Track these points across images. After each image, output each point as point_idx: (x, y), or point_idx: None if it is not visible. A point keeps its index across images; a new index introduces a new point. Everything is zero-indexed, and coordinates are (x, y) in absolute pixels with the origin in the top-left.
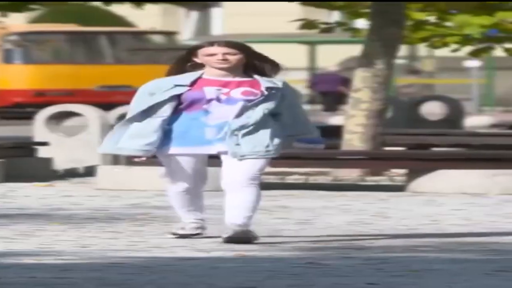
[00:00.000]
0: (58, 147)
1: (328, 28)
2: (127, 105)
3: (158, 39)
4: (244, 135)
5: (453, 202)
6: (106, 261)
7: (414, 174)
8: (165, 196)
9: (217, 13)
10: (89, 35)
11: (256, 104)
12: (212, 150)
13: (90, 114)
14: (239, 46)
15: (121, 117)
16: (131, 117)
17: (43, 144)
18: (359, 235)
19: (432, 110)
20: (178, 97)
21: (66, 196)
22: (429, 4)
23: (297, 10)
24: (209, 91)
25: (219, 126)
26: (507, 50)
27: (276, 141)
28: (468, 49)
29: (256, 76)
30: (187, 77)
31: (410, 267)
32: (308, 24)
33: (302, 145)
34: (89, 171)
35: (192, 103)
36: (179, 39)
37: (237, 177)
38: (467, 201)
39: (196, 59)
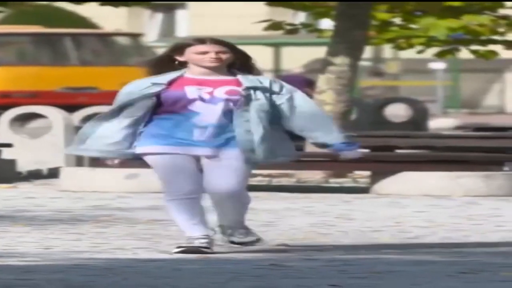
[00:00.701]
0: (22, 149)
1: (294, 30)
2: (92, 106)
3: (123, 40)
4: (256, 138)
5: (417, 204)
6: (69, 263)
7: (377, 176)
8: (128, 198)
9: (182, 14)
10: (53, 37)
11: (248, 105)
12: (200, 152)
13: (54, 115)
14: (229, 45)
15: (86, 118)
16: (100, 116)
17: (7, 145)
18: (322, 237)
19: (397, 112)
20: (156, 97)
21: (29, 198)
22: (395, 5)
23: (263, 12)
24: (191, 91)
25: (207, 127)
26: (473, 52)
27: (286, 145)
28: (433, 50)
29: (239, 75)
30: (166, 76)
31: (372, 269)
32: (273, 25)
33: (335, 151)
34: (53, 173)
35: (175, 104)
36: (145, 41)
37: (229, 185)
38: (431, 203)
39: (179, 58)
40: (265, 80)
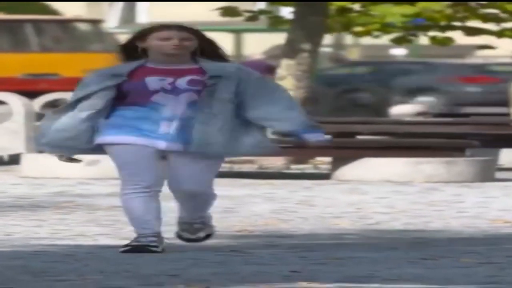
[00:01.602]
0: None
1: (252, 17)
2: (52, 93)
3: (84, 27)
4: (212, 131)
5: (378, 190)
6: (29, 249)
7: (338, 162)
8: (89, 185)
9: (142, 1)
10: (14, 23)
11: (211, 95)
12: (165, 145)
13: (14, 102)
14: (193, 31)
15: (46, 105)
16: (58, 109)
17: None
18: (284, 223)
19: (357, 98)
20: (116, 88)
21: None
22: None
23: None
24: (152, 81)
25: (172, 120)
26: (432, 38)
27: (255, 137)
28: (391, 36)
29: (203, 63)
30: (125, 67)
31: (333, 255)
32: (227, 11)
33: (300, 138)
34: (14, 159)
35: (137, 95)
36: (105, 27)
37: (194, 185)
38: (392, 189)
39: (141, 44)
40: (230, 67)
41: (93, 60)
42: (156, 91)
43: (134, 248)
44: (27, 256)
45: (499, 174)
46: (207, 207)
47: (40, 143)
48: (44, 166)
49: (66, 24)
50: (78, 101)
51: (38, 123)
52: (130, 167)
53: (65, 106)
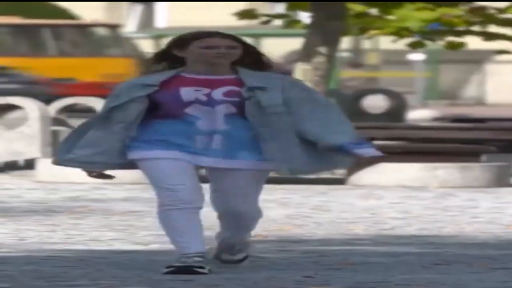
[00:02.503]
0: None
1: (268, 20)
2: (69, 97)
3: (101, 31)
4: (289, 146)
5: (393, 196)
6: (43, 254)
7: (354, 167)
8: (104, 190)
9: (161, 5)
10: (32, 28)
11: (257, 107)
12: (205, 162)
13: (29, 106)
14: (239, 40)
15: (62, 110)
16: (86, 122)
17: None
18: (298, 228)
19: (375, 103)
20: (148, 100)
21: (5, 189)
22: None
23: (243, 3)
24: (186, 92)
25: (211, 134)
26: (449, 44)
27: (311, 153)
28: (407, 40)
29: (243, 73)
30: (158, 76)
31: (347, 260)
32: (247, 14)
33: (347, 153)
34: (29, 164)
35: (170, 107)
36: (123, 32)
37: (243, 205)
38: (407, 195)
39: (178, 53)
40: (274, 77)
41: (111, 65)
42: (190, 103)
43: (178, 270)
44: (40, 261)
45: None
46: (253, 226)
47: (65, 159)
48: (59, 171)
49: (84, 28)
50: (108, 113)
51: (53, 128)
52: (168, 183)
53: (93, 118)
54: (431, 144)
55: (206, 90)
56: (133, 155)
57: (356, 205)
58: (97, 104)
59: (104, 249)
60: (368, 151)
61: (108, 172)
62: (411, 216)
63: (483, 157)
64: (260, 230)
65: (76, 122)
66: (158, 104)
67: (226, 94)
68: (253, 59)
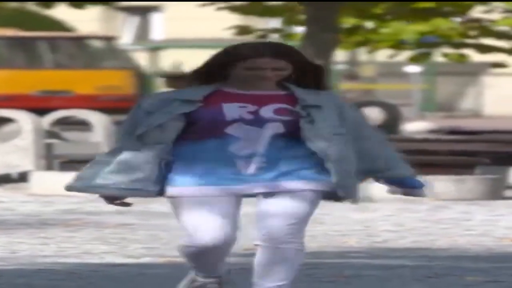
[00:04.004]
0: None
1: (264, 35)
2: (65, 109)
3: (97, 44)
4: (348, 170)
5: (387, 208)
6: (35, 267)
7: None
8: (98, 202)
9: (157, 18)
10: (28, 40)
11: (314, 128)
12: (250, 189)
13: (23, 119)
14: (289, 56)
15: (57, 122)
16: (117, 144)
17: None
18: None
19: (370, 115)
20: (186, 117)
21: None
22: (362, 8)
23: (238, 16)
24: (230, 109)
25: (252, 157)
26: (445, 55)
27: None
28: (406, 54)
29: (294, 89)
30: (199, 90)
31: (340, 273)
32: (242, 30)
33: (395, 189)
34: (23, 177)
35: (210, 126)
36: (119, 44)
37: (286, 231)
38: (401, 207)
39: (224, 71)
40: (328, 95)
41: (107, 77)
42: (233, 121)
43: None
44: (31, 274)
45: (508, 192)
46: (293, 269)
47: (94, 185)
48: (53, 183)
49: (80, 41)
50: (142, 134)
51: (47, 141)
52: (198, 221)
53: (121, 140)
54: (426, 156)
55: (253, 107)
56: (173, 191)
57: (350, 218)
58: (92, 117)
59: (96, 262)
60: (421, 192)
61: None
62: (405, 229)
63: (477, 170)
64: (246, 242)
65: (70, 135)
66: (195, 123)
67: (277, 112)
68: (313, 74)
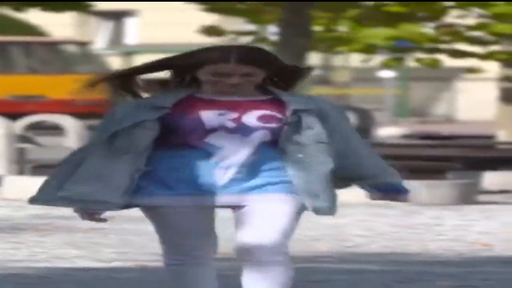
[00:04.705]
0: None
1: (236, 37)
2: (39, 114)
3: (71, 48)
4: (315, 184)
5: (358, 213)
6: (6, 272)
7: None
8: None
9: (131, 22)
10: (1, 45)
11: (296, 137)
12: (228, 200)
13: None
14: (262, 62)
15: (30, 126)
16: (80, 150)
17: None
18: None
19: None
20: (160, 124)
21: None
22: (336, 11)
23: (214, 20)
24: (209, 117)
25: (232, 167)
26: (418, 60)
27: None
28: (380, 59)
29: (279, 93)
30: (171, 96)
31: (309, 277)
32: (214, 31)
33: (379, 195)
34: None
35: (187, 134)
36: (93, 49)
37: (267, 242)
38: (372, 212)
39: (190, 74)
40: (315, 99)
41: (81, 82)
42: (213, 130)
43: None
44: (3, 278)
45: (481, 197)
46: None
47: (56, 198)
48: (25, 188)
49: (54, 45)
50: (110, 139)
51: (20, 145)
52: (178, 236)
53: (87, 147)
54: (398, 161)
55: (234, 114)
56: (145, 200)
57: (321, 223)
58: (65, 121)
59: (68, 267)
60: (406, 197)
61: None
62: (376, 233)
63: (450, 175)
64: (222, 247)
65: (43, 139)
66: (171, 131)
67: (261, 119)
68: (283, 72)
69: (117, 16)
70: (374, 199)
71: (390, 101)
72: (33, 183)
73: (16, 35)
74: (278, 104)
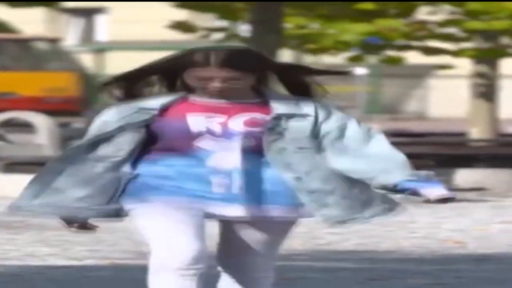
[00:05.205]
0: None
1: (207, 34)
2: (10, 111)
3: (42, 45)
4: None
5: None
6: None
7: None
8: None
9: (102, 19)
10: None
11: (282, 141)
12: (221, 210)
13: None
14: (245, 66)
15: (1, 124)
16: (61, 157)
17: None
18: None
19: None
20: (147, 129)
21: None
22: (307, 9)
23: (184, 17)
24: (195, 121)
25: (229, 174)
26: (383, 60)
27: (376, 194)
28: (346, 55)
29: (270, 95)
30: (157, 100)
31: (283, 275)
32: (182, 26)
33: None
34: None
35: (175, 138)
36: (63, 46)
37: (261, 261)
38: None
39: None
40: (304, 102)
41: (52, 79)
42: (200, 134)
43: None
44: None
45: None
46: None
47: (34, 204)
48: None
49: (24, 42)
50: (94, 144)
51: None
52: (168, 239)
53: (70, 151)
54: None
55: (221, 118)
56: (128, 202)
57: None
58: (36, 119)
59: (39, 265)
60: (438, 191)
61: (91, 221)
62: (349, 231)
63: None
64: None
65: (14, 137)
66: (157, 135)
67: (247, 123)
68: (292, 79)
69: (88, 13)
70: (427, 202)
71: (362, 98)
72: (4, 181)
73: None
74: (267, 107)
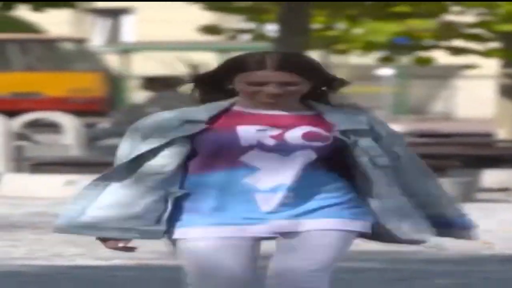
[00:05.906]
0: None
1: (234, 35)
2: (35, 112)
3: (68, 46)
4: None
5: None
6: (4, 269)
7: None
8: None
9: (128, 20)
10: None
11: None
12: (270, 230)
13: None
14: (303, 69)
15: (28, 124)
16: (106, 174)
17: None
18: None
19: None
20: (191, 142)
21: None
22: (337, 10)
23: (211, 18)
24: (247, 133)
25: (277, 191)
26: (417, 60)
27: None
28: (376, 55)
29: (321, 108)
30: (206, 109)
31: None
32: (211, 29)
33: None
34: None
35: (221, 153)
36: (89, 46)
37: (303, 275)
38: None
39: (226, 83)
40: (362, 116)
41: (77, 79)
42: (250, 147)
43: None
44: (0, 276)
45: (480, 195)
46: None
47: (78, 224)
48: (22, 186)
49: (50, 43)
50: (137, 161)
51: (17, 143)
52: (208, 271)
53: (112, 169)
54: None
55: (276, 131)
56: (179, 233)
57: None
58: (62, 119)
59: (66, 265)
60: (473, 232)
61: (131, 242)
62: None
63: (449, 173)
64: None
65: (40, 137)
66: (204, 149)
67: (307, 136)
68: (325, 83)
69: (114, 14)
70: (440, 236)
71: (389, 99)
72: (31, 181)
73: (13, 32)
74: (321, 120)
